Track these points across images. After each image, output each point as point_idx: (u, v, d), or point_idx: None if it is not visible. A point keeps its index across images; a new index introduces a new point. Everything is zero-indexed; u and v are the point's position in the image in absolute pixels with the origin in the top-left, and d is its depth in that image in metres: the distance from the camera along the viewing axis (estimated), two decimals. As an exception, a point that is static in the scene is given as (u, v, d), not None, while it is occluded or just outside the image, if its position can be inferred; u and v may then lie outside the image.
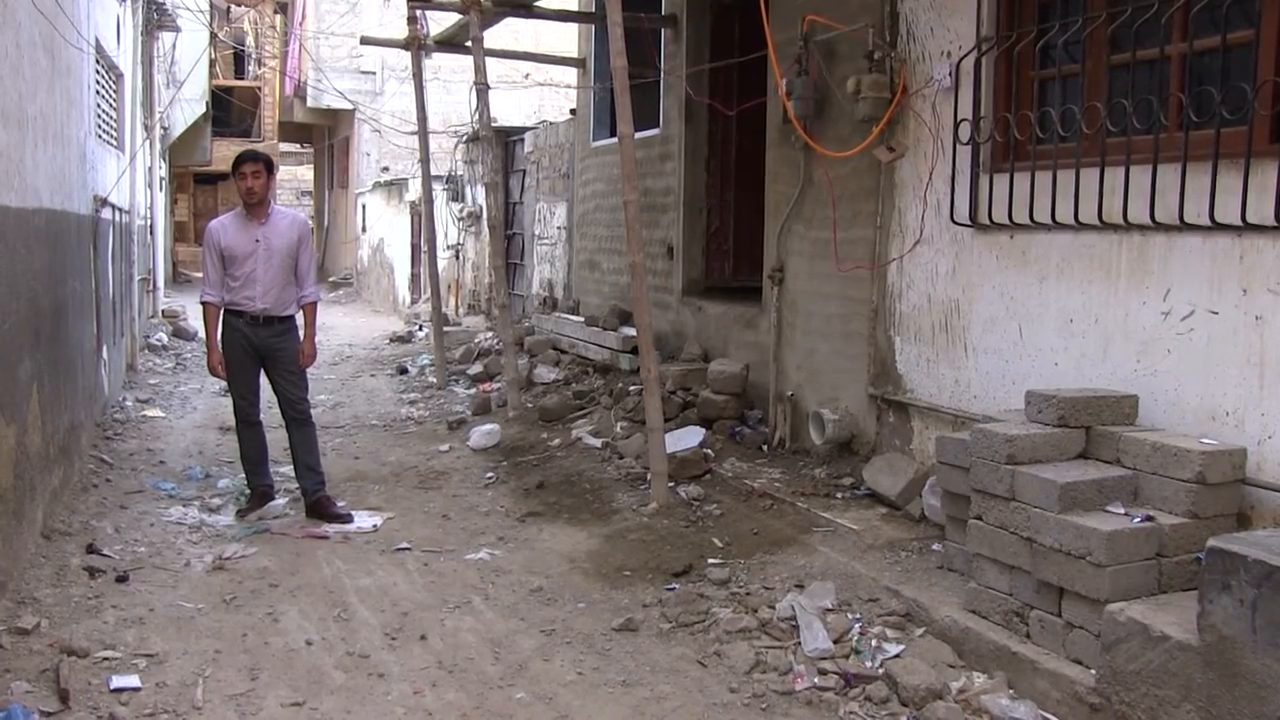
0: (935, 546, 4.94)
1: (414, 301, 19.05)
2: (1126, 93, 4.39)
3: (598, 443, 7.51)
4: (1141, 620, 3.38)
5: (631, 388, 8.21)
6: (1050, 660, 3.77)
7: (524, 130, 14.58)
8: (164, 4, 14.23)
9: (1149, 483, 3.91)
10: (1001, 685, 3.81)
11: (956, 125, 5.23)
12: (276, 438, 6.59)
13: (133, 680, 3.93)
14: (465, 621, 4.64)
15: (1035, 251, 4.91)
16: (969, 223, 5.24)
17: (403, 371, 12.23)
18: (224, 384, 6.47)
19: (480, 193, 15.16)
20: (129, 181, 11.11)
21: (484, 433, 8.07)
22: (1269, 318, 3.89)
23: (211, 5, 21.51)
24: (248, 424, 6.28)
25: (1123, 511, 3.80)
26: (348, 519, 6.09)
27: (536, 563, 5.42)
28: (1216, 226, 4.02)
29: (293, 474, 6.44)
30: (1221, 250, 4.05)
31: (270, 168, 6.22)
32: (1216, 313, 4.08)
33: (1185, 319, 4.20)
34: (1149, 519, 3.74)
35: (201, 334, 6.64)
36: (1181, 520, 3.76)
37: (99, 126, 8.72)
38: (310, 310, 6.32)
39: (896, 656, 4.05)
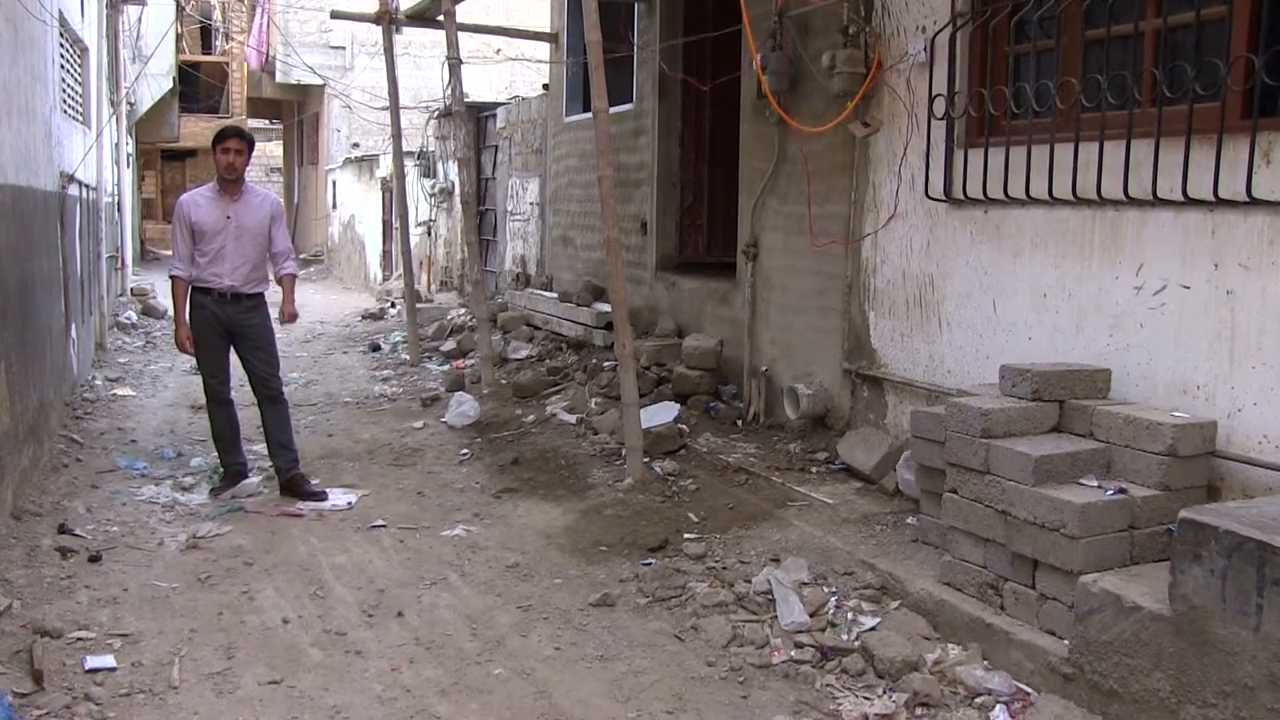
0: (910, 520, 4.98)
1: (386, 278, 18.93)
2: (1101, 68, 4.41)
3: (572, 419, 7.50)
4: (1114, 591, 3.42)
5: (605, 364, 8.20)
6: (1024, 631, 3.81)
7: (496, 106, 14.48)
8: (129, -23, 14.02)
9: (1121, 456, 3.95)
10: (976, 657, 3.85)
11: (931, 100, 5.23)
12: (248, 416, 6.55)
13: (108, 660, 3.89)
14: (442, 598, 4.63)
15: (1009, 227, 4.93)
16: (943, 198, 5.26)
17: (375, 349, 12.16)
18: (194, 362, 6.43)
19: (452, 169, 15.05)
20: (96, 158, 10.95)
21: (458, 410, 8.04)
22: (1240, 292, 3.93)
23: (178, -22, 21.15)
24: (219, 402, 6.24)
25: (1096, 484, 3.84)
26: (322, 497, 6.07)
27: (512, 539, 5.41)
28: (1189, 202, 4.05)
29: (266, 452, 6.40)
30: (1194, 225, 4.08)
31: (252, 146, 6.21)
32: (1188, 287, 4.11)
33: (1158, 294, 4.23)
34: (1121, 491, 3.78)
35: (171, 312, 6.58)
36: (1153, 492, 3.80)
37: (64, 102, 8.58)
38: (289, 280, 6.36)
39: (872, 629, 4.08)
